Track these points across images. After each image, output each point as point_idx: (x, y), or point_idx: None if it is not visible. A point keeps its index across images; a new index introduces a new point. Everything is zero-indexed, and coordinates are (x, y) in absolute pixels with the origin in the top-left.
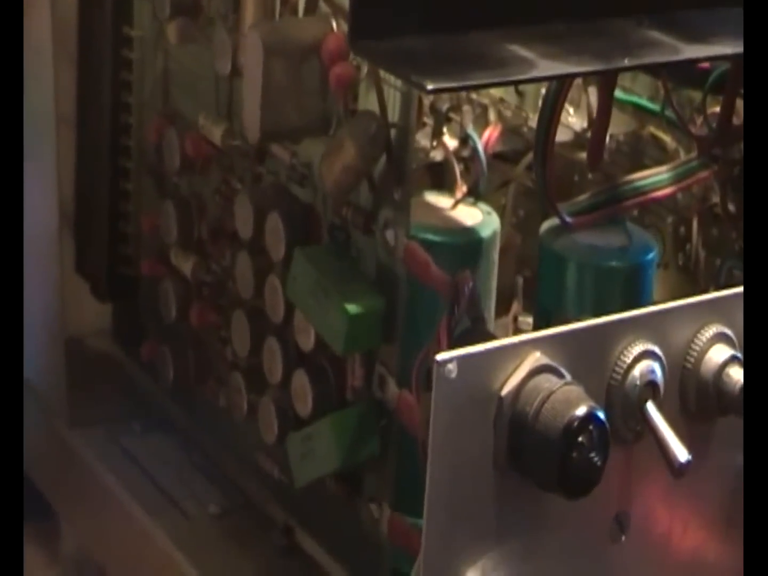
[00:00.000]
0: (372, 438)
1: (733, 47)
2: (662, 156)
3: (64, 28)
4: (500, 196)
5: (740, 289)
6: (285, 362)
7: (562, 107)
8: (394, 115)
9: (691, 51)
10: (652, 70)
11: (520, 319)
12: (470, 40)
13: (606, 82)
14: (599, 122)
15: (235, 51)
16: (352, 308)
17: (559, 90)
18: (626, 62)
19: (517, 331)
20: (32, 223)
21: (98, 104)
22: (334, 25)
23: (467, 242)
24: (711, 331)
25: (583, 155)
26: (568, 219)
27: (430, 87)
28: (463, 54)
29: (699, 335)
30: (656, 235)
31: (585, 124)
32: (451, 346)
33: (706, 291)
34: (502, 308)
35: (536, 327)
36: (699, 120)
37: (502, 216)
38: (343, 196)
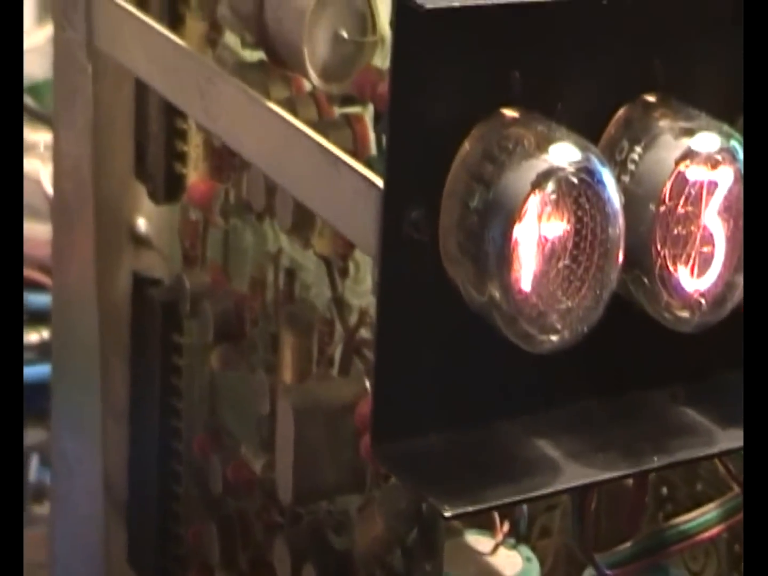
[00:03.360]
0: None
1: None
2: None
3: (114, 324)
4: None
5: None
6: None
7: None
8: None
9: (727, 438)
10: None
11: None
12: (493, 436)
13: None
14: (636, 500)
15: (273, 393)
16: None
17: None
18: (655, 460)
19: None
20: (80, 510)
21: (148, 407)
22: (368, 384)
23: None
24: None
25: None
26: (608, 572)
27: (447, 514)
28: (485, 457)
29: None
30: (710, 549)
31: None
32: None
33: None
34: None
35: None
36: None
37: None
38: (376, 563)
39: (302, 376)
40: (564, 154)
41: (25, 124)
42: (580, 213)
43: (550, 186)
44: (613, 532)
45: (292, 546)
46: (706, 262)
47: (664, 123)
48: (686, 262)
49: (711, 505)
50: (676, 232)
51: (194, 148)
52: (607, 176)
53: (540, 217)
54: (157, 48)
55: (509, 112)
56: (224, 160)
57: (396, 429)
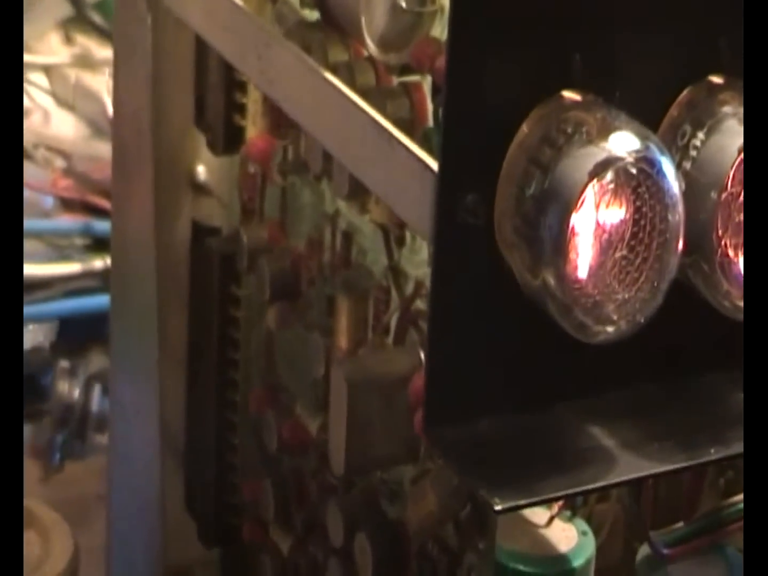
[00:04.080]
0: None
1: None
2: None
3: (173, 271)
4: None
5: None
6: None
7: None
8: None
9: None
10: None
11: None
12: (547, 422)
13: None
14: (693, 482)
15: (328, 355)
16: None
17: None
18: (712, 452)
19: None
20: (138, 458)
21: (206, 358)
22: (422, 356)
23: (558, 574)
24: None
25: None
26: (665, 550)
27: (497, 508)
28: (537, 446)
29: None
30: None
31: None
32: None
33: None
34: None
35: None
36: None
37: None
38: (429, 537)
39: (357, 343)
40: (623, 143)
41: (92, 41)
42: (638, 203)
43: (609, 175)
44: (670, 508)
45: (345, 512)
46: None
47: (728, 108)
48: None
49: None
50: (738, 220)
51: (253, 102)
52: (667, 165)
53: (597, 206)
54: (216, 5)
55: (570, 95)
56: (283, 118)
57: (448, 413)
